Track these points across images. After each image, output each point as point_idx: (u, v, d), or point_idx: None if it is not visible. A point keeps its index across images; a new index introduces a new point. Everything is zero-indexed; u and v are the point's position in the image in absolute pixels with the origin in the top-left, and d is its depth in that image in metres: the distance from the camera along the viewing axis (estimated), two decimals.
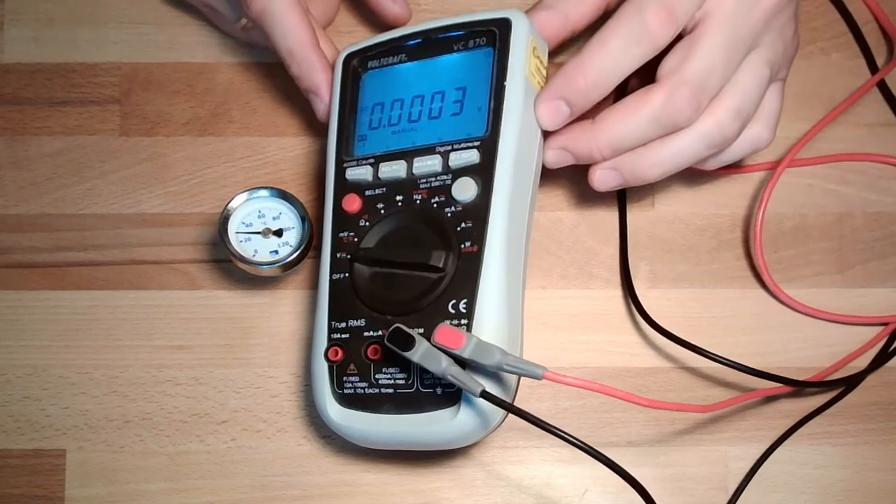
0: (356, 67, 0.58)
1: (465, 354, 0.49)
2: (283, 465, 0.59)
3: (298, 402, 0.60)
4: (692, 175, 0.62)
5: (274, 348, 0.60)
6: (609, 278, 0.61)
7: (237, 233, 0.57)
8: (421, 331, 0.51)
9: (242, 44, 0.64)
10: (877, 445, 0.60)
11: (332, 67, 0.58)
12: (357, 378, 0.53)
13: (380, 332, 0.53)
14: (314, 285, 0.61)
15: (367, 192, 0.55)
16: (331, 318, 0.54)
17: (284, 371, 0.60)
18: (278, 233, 0.57)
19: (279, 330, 0.60)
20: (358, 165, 0.56)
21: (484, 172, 0.53)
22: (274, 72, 0.63)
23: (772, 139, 0.58)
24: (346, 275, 0.54)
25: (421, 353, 0.50)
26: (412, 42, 0.57)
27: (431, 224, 0.53)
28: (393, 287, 0.53)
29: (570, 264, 0.61)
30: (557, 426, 0.49)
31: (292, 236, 0.57)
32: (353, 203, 0.55)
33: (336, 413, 0.54)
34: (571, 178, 0.62)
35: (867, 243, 0.62)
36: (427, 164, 0.54)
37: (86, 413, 0.59)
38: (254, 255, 0.56)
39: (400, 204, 0.55)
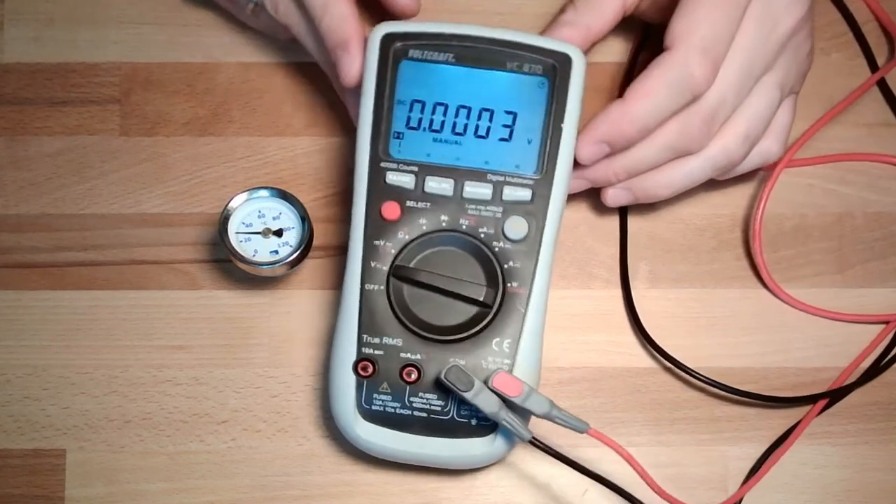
0: (396, 51, 0.54)
1: (519, 402, 0.52)
2: (283, 465, 0.59)
3: (298, 402, 0.60)
4: None
5: (274, 348, 0.60)
6: (609, 278, 0.61)
7: (237, 233, 0.57)
8: (463, 363, 0.53)
9: (242, 44, 0.64)
10: (877, 445, 0.60)
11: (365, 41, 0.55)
12: (389, 398, 0.54)
13: (417, 356, 0.53)
14: (314, 285, 0.61)
15: (409, 203, 0.54)
16: (362, 329, 0.54)
17: (284, 371, 0.60)
18: (278, 233, 0.57)
19: (279, 330, 0.60)
20: (399, 171, 0.54)
21: (536, 213, 0.54)
22: (274, 72, 0.63)
23: (781, 153, 0.59)
24: (382, 287, 0.54)
25: (477, 394, 0.52)
26: (464, 44, 0.54)
27: (478, 255, 0.54)
28: (433, 311, 0.54)
29: (570, 264, 0.61)
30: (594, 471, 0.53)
31: (292, 236, 0.57)
32: (393, 211, 0.54)
33: (363, 429, 0.54)
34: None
35: (867, 243, 0.62)
36: (478, 192, 0.54)
37: (86, 413, 0.59)
38: (254, 255, 0.56)
39: (444, 224, 0.54)
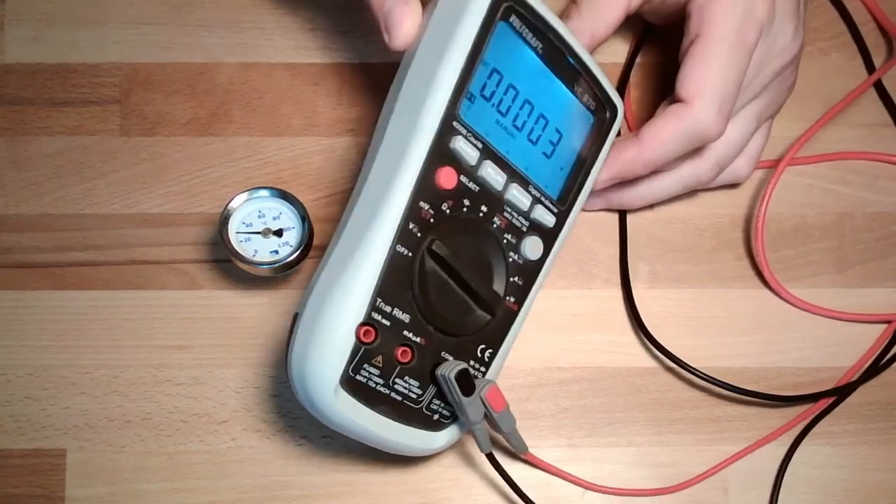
0: (505, 10, 0.50)
1: (496, 417, 0.53)
2: (283, 465, 0.59)
3: (298, 402, 0.59)
4: None
5: (274, 348, 0.60)
6: (609, 278, 0.61)
7: (237, 233, 0.57)
8: (450, 358, 0.52)
9: (242, 44, 0.64)
10: (877, 445, 0.60)
11: None
12: (377, 372, 0.50)
13: (418, 339, 0.51)
14: None
15: (462, 178, 0.51)
16: (378, 293, 0.49)
17: (284, 371, 0.60)
18: (278, 233, 0.57)
19: (279, 330, 0.60)
20: (468, 140, 0.50)
21: (549, 240, 0.55)
22: (274, 72, 0.64)
23: (750, 175, 0.61)
24: (413, 254, 0.49)
25: (472, 401, 0.52)
26: (556, 45, 0.53)
27: (497, 261, 0.53)
28: (447, 300, 0.51)
29: (570, 264, 0.62)
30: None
31: (292, 236, 0.57)
32: (449, 180, 0.50)
33: (341, 399, 0.49)
34: None
35: (867, 243, 0.62)
36: (520, 199, 0.53)
37: (86, 413, 0.59)
38: (254, 255, 0.57)
39: (482, 215, 0.52)
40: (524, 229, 0.53)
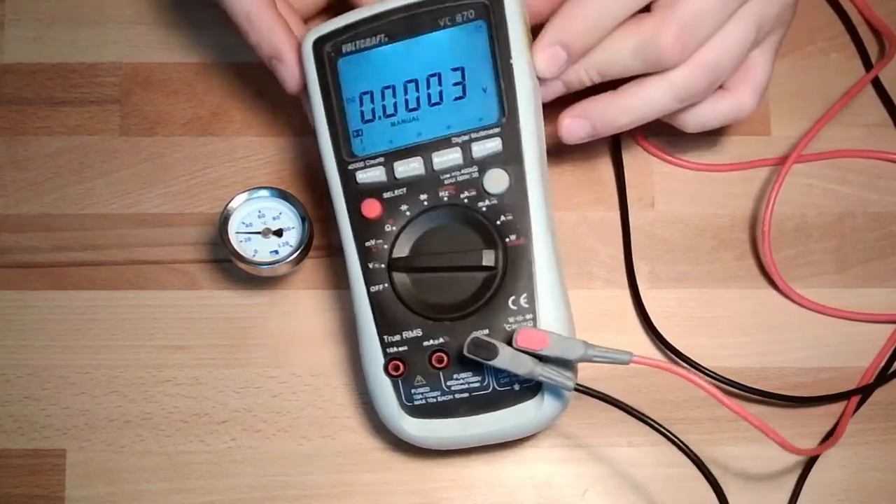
0: (330, 53, 0.53)
1: (550, 353, 0.50)
2: (283, 465, 0.59)
3: (299, 402, 0.60)
4: (692, 175, 0.62)
5: (274, 348, 0.60)
6: (609, 278, 0.61)
7: (237, 233, 0.57)
8: (486, 331, 0.52)
9: (242, 44, 0.63)
10: (877, 445, 0.60)
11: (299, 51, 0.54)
12: (427, 388, 0.53)
13: (441, 340, 0.53)
14: (314, 285, 0.61)
15: (386, 195, 0.53)
16: (381, 332, 0.53)
17: (284, 371, 0.60)
18: (278, 233, 0.57)
19: (279, 330, 0.60)
20: (367, 167, 0.53)
21: (512, 160, 0.52)
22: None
23: (754, 107, 0.56)
24: (386, 285, 0.53)
25: (506, 358, 0.51)
26: (389, 20, 0.53)
27: (468, 221, 0.53)
28: (441, 291, 0.53)
29: (570, 264, 0.61)
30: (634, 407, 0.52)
31: (292, 236, 0.57)
32: (373, 209, 0.53)
33: (412, 426, 0.54)
34: (571, 178, 0.62)
35: (867, 243, 0.62)
36: (448, 159, 0.52)
37: (86, 413, 0.59)
38: (254, 255, 0.56)
39: (426, 203, 0.53)
40: (476, 175, 0.52)
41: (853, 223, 0.62)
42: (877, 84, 0.64)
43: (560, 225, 0.62)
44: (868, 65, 0.64)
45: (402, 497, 0.59)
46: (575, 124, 0.55)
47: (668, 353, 0.59)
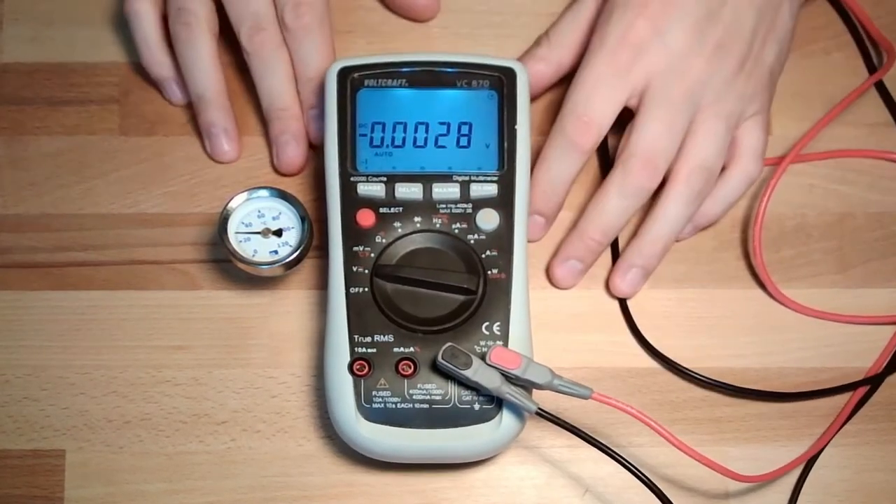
0: (354, 82, 0.58)
1: (519, 374, 0.53)
2: (283, 466, 0.59)
3: (298, 403, 0.60)
4: None
5: (274, 348, 0.60)
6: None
7: (237, 233, 0.57)
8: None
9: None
10: (877, 445, 0.60)
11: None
12: (389, 393, 0.54)
13: (411, 349, 0.55)
14: (314, 285, 0.61)
15: (382, 210, 0.57)
16: (352, 331, 0.55)
17: (284, 371, 0.60)
18: (278, 233, 0.57)
19: (279, 330, 0.60)
20: (369, 182, 0.57)
21: (504, 205, 0.57)
22: None
23: (761, 170, 0.60)
24: (366, 289, 0.56)
25: (477, 371, 0.53)
26: (413, 69, 0.59)
27: (455, 249, 0.56)
28: (419, 305, 0.56)
29: None
30: (601, 441, 0.54)
31: (292, 236, 0.57)
32: (367, 218, 0.56)
33: (365, 429, 0.54)
34: None
35: (868, 243, 0.62)
36: (447, 191, 0.57)
37: (85, 413, 0.59)
38: (254, 255, 0.56)
39: (418, 225, 0.57)
40: (470, 211, 0.57)
41: (854, 223, 0.62)
42: (879, 84, 0.64)
43: (560, 225, 0.62)
44: (870, 64, 0.64)
45: (402, 497, 0.59)
46: (633, 277, 0.60)
47: (652, 355, 0.59)
